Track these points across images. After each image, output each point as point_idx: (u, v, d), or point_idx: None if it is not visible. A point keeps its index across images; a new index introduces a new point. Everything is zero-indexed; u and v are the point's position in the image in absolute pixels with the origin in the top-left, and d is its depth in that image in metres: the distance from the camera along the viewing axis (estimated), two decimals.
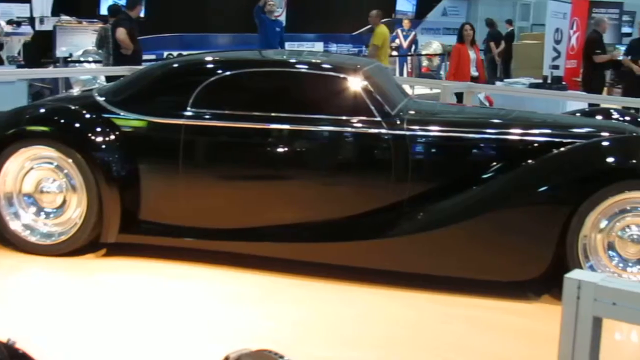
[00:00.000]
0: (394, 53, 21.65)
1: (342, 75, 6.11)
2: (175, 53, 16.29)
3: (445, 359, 4.63)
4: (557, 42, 15.32)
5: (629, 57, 13.44)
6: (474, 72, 12.42)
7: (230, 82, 6.24)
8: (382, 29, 15.00)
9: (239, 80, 6.28)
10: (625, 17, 18.40)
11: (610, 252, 5.54)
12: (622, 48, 15.24)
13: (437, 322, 5.18)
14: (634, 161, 5.59)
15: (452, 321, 5.20)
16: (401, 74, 21.14)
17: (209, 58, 6.75)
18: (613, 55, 14.26)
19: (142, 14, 14.05)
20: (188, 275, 5.87)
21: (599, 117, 7.30)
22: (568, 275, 2.26)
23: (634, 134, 6.21)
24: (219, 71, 6.27)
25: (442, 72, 21.79)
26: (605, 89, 15.82)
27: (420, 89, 17.49)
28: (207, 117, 6.12)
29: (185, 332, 4.85)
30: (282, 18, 19.58)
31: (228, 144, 6.24)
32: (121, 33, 11.82)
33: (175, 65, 6.88)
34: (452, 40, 24.91)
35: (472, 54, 12.23)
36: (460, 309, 5.41)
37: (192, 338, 4.76)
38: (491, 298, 5.56)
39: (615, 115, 7.35)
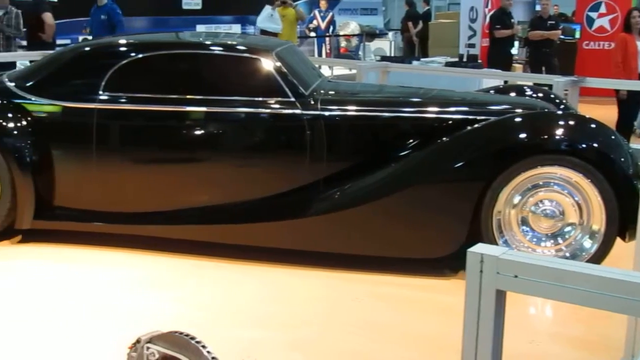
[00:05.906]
0: (312, 34, 21.66)
1: (254, 57, 6.09)
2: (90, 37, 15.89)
3: (356, 335, 4.64)
4: (473, 20, 15.50)
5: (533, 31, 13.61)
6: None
7: (143, 64, 6.18)
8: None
9: (152, 62, 6.23)
10: None
11: (523, 227, 5.63)
12: None
13: (349, 300, 5.19)
14: (545, 137, 5.64)
15: (364, 299, 5.21)
16: (319, 54, 21.15)
17: (121, 41, 6.66)
18: (514, 30, 14.06)
19: None
20: (100, 261, 5.81)
21: (512, 94, 7.40)
22: (471, 249, 2.29)
23: (545, 110, 6.31)
24: (132, 54, 6.21)
25: (360, 53, 21.85)
26: (521, 66, 16.02)
27: (339, 70, 17.54)
28: (120, 100, 6.05)
29: (97, 318, 4.78)
30: (198, 2, 19.38)
31: (142, 127, 6.18)
32: (50, 18, 11.42)
33: (87, 48, 6.75)
34: (368, 20, 25.10)
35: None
36: (373, 286, 5.43)
37: (103, 323, 4.69)
38: (407, 275, 5.60)
39: (529, 92, 7.45)
